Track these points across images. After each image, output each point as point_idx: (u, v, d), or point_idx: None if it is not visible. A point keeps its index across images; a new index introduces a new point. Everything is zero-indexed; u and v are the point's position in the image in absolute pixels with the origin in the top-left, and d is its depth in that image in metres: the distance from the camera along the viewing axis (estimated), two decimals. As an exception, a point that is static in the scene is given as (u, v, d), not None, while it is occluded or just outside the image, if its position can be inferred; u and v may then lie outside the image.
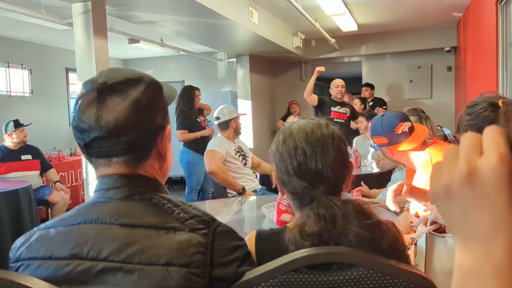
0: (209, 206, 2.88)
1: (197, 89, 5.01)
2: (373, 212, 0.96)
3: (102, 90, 0.84)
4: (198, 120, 4.96)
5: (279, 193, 1.81)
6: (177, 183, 7.53)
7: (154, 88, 0.89)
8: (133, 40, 5.81)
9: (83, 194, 5.09)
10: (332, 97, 5.02)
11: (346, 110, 4.98)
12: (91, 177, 3.74)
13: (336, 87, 4.96)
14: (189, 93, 4.91)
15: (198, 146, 4.77)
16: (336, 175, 0.99)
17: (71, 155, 6.10)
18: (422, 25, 6.67)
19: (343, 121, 4.86)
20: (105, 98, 0.84)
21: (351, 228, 0.90)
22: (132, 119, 0.84)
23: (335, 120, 4.78)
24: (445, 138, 4.31)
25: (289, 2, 4.13)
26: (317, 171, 0.97)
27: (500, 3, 3.74)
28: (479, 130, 1.29)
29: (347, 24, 5.88)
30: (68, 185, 5.27)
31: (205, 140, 4.86)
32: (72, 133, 0.89)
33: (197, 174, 4.88)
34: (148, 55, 8.06)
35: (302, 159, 0.98)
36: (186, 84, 6.24)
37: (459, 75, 6.66)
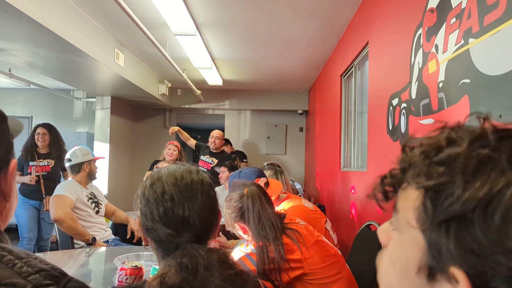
0: (51, 258, 2.54)
1: (38, 127, 4.55)
2: (237, 262, 0.96)
3: None
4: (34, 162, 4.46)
5: (117, 272, 1.68)
6: (11, 232, 6.54)
7: None
8: (-28, 66, 5.10)
9: None
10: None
11: (212, 161, 5.13)
12: None
13: (211, 138, 5.21)
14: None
15: (21, 187, 4.44)
16: (203, 223, 0.96)
17: None
18: (279, 88, 7.34)
19: (206, 170, 4.98)
20: None
21: (212, 280, 0.88)
22: None
23: (199, 167, 4.96)
24: (297, 192, 4.67)
25: (158, 50, 4.14)
26: (183, 218, 0.94)
27: (344, 76, 4.34)
28: (241, 219, 1.68)
29: (213, 78, 6.13)
30: None
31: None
32: None
33: (21, 218, 4.43)
34: (-10, 85, 7.14)
35: (169, 205, 0.94)
36: (34, 120, 5.65)
37: (309, 135, 7.41)
